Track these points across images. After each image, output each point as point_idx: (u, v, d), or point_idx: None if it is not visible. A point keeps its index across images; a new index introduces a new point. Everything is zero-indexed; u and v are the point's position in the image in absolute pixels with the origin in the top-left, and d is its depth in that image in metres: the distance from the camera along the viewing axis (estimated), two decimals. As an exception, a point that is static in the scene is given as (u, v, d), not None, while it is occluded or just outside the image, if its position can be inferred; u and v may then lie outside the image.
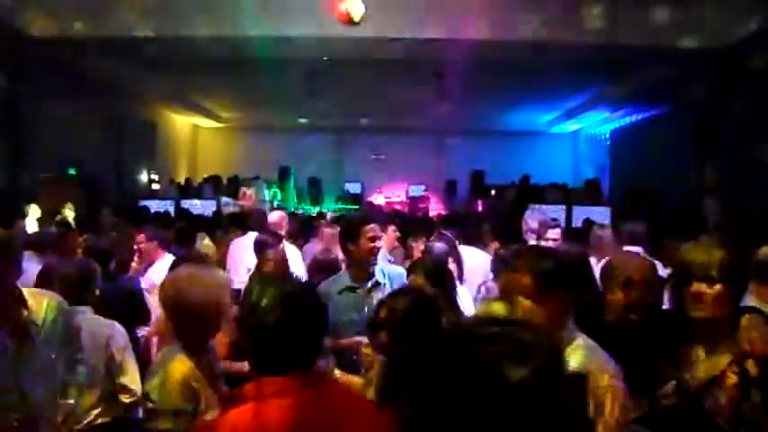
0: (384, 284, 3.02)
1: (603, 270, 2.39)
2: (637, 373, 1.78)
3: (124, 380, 2.55)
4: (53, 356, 1.94)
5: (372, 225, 3.02)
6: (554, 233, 4.26)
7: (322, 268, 3.80)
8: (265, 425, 1.34)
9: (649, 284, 2.23)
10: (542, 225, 4.58)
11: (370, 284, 3.00)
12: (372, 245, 2.99)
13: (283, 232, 5.27)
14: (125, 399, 2.55)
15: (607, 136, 14.43)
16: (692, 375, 1.74)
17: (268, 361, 1.43)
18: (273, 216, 5.75)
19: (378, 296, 2.75)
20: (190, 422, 1.87)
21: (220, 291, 2.09)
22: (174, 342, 2.06)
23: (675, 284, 1.87)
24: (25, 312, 1.88)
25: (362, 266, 3.02)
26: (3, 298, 1.86)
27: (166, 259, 4.30)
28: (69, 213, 8.07)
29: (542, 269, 1.79)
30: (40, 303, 1.93)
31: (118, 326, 2.60)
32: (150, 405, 1.93)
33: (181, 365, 1.95)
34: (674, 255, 1.98)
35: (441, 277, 2.80)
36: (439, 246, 3.83)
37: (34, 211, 7.51)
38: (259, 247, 4.07)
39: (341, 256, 4.94)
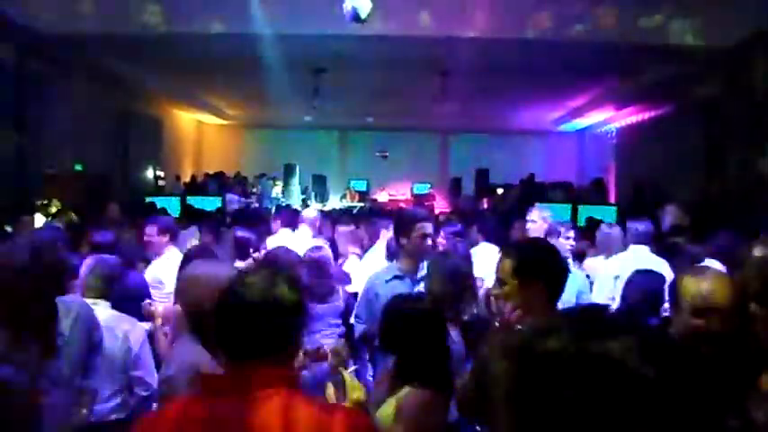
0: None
1: (672, 287, 1.97)
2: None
3: (141, 373, 2.59)
4: (73, 364, 1.97)
5: (424, 223, 3.19)
6: (569, 233, 4.43)
7: (312, 265, 3.67)
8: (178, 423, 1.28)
9: (731, 312, 1.78)
10: (544, 219, 4.62)
11: (418, 276, 3.16)
12: (423, 241, 3.15)
13: (315, 231, 5.24)
14: (141, 392, 2.60)
15: (613, 134, 14.40)
16: (761, 404, 1.56)
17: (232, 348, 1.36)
18: (309, 213, 5.68)
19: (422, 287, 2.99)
20: None
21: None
22: (187, 334, 2.07)
23: (747, 306, 1.68)
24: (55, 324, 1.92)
25: (413, 259, 3.19)
26: (40, 311, 1.89)
27: (172, 252, 4.32)
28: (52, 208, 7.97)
29: (523, 257, 1.96)
30: (67, 312, 1.96)
31: (135, 320, 2.65)
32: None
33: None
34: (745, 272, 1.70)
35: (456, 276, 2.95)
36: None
37: (54, 206, 7.52)
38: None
39: (348, 254, 5.00)
